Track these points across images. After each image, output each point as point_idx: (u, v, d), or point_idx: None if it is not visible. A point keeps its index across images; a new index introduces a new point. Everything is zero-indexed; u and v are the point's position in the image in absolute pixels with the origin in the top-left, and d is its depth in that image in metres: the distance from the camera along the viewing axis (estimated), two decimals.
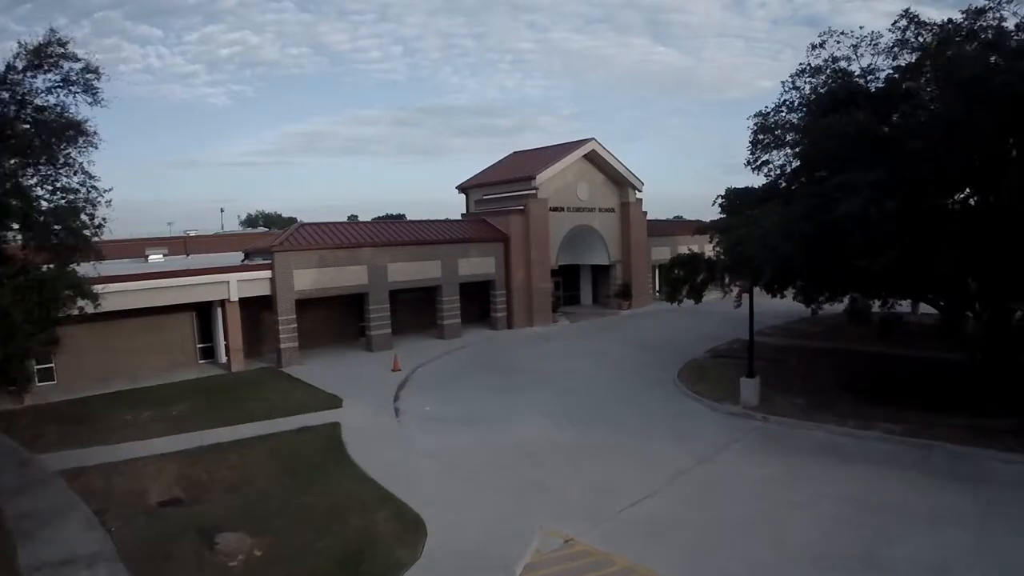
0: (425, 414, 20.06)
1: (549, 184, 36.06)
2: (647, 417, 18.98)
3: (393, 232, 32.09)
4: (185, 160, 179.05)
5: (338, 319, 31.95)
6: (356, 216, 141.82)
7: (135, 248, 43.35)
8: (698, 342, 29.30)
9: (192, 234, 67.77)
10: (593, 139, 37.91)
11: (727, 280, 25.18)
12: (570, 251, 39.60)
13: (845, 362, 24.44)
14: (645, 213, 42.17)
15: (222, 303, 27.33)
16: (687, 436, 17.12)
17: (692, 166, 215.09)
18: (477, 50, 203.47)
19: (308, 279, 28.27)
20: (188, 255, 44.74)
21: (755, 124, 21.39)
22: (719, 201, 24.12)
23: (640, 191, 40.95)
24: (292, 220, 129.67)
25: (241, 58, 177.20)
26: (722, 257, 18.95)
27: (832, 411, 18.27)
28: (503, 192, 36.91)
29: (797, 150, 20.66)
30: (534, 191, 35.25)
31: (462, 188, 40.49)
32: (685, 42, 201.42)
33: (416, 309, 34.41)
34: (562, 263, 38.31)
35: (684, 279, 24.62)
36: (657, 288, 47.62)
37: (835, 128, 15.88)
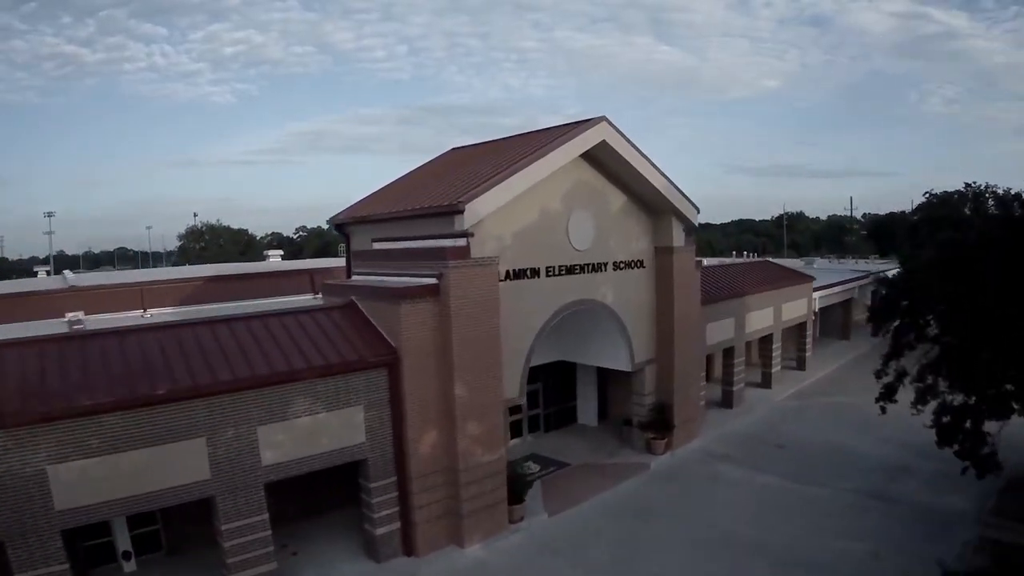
0: None
1: (501, 219, 15.86)
2: None
3: (74, 375, 11.22)
4: (186, 159, 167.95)
5: None
6: None
7: None
8: None
9: None
10: (604, 119, 17.52)
11: None
12: (556, 343, 19.83)
13: None
14: (700, 264, 22.19)
15: None
16: None
17: (692, 166, 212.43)
18: (482, 49, 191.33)
19: None
20: None
21: None
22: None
23: (694, 224, 20.84)
24: (242, 233, 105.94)
25: (245, 57, 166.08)
26: None
27: None
28: (404, 238, 16.82)
29: None
30: (463, 239, 15.13)
31: (338, 224, 20.17)
32: (688, 42, 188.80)
33: (188, 526, 14.58)
34: (539, 363, 18.56)
35: None
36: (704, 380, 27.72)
37: None
